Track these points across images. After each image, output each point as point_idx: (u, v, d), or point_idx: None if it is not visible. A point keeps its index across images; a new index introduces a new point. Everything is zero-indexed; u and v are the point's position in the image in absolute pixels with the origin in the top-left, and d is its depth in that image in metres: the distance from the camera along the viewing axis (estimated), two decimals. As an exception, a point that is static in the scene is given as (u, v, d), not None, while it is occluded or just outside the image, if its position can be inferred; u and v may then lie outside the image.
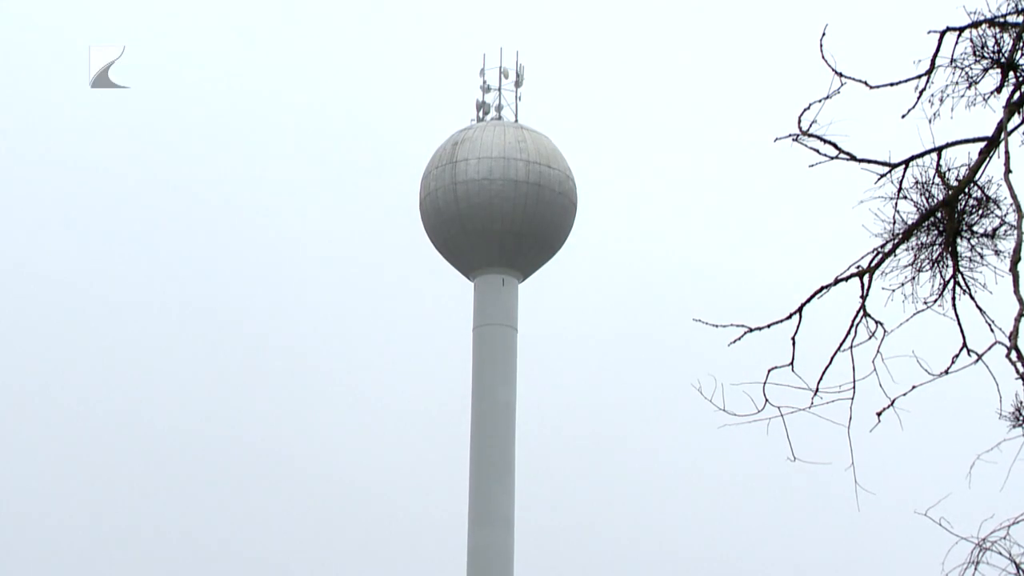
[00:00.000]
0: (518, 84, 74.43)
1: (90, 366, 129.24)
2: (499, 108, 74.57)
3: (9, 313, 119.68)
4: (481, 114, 74.56)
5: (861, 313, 10.05)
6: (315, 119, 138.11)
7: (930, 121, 9.62)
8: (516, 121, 74.94)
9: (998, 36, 9.52)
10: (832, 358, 10.03)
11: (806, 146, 9.83)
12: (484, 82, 74.36)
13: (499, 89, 74.54)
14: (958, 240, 9.91)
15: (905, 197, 9.91)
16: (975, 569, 9.97)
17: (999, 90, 9.53)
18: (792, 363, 10.02)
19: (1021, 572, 9.96)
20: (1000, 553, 9.92)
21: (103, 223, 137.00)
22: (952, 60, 9.61)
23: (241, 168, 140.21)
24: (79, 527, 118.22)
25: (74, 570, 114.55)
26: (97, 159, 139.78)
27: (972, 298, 9.87)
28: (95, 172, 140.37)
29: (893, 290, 10.01)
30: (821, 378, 9.95)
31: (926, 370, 9.86)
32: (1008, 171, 9.62)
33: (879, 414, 10.04)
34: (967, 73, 9.57)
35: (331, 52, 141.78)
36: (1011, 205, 9.71)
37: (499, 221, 72.03)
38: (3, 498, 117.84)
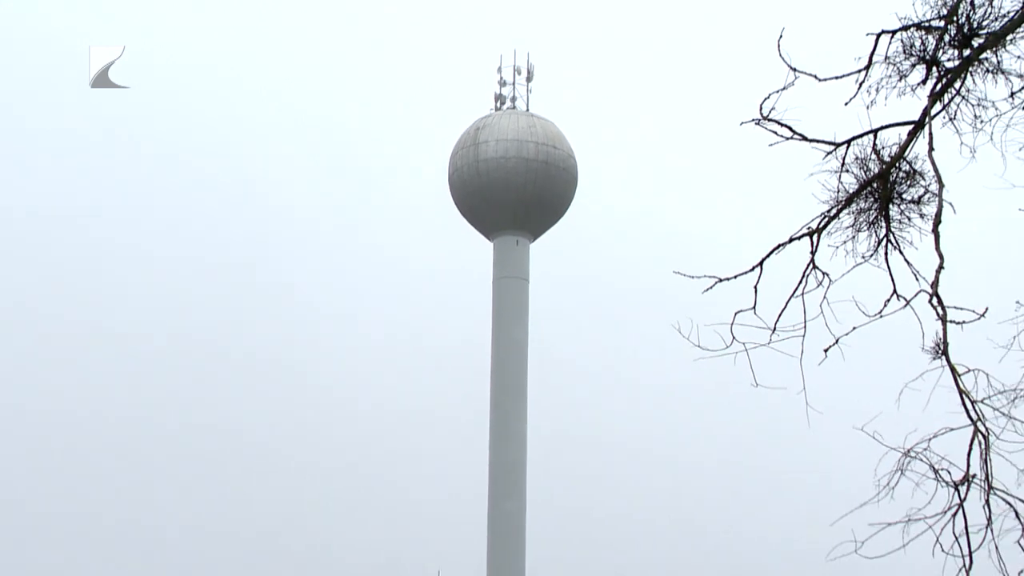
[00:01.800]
0: (529, 79, 74.84)
1: (100, 359, 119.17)
2: (513, 99, 74.97)
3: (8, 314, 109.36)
4: (498, 104, 75.07)
5: (811, 266, 10.05)
6: (350, 113, 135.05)
7: (868, 108, 9.62)
8: (527, 110, 75.31)
9: (924, 38, 9.48)
10: (787, 303, 10.03)
11: (767, 129, 9.78)
12: (501, 78, 74.78)
13: (513, 84, 74.81)
14: (890, 206, 9.96)
15: (847, 171, 9.94)
16: (901, 474, 9.95)
17: (924, 82, 9.56)
18: (754, 307, 10.04)
19: (939, 476, 9.92)
20: (922, 460, 9.89)
21: (102, 223, 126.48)
22: (886, 57, 9.62)
23: (268, 162, 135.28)
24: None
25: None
26: (97, 159, 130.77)
27: (901, 253, 9.89)
28: (95, 172, 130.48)
29: (837, 247, 10.05)
30: (778, 319, 9.98)
31: (864, 312, 9.93)
32: (931, 149, 9.65)
33: (826, 350, 10.03)
34: (898, 68, 9.59)
35: (364, 55, 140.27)
36: (933, 177, 9.77)
37: (514, 192, 72.40)
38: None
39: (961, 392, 9.83)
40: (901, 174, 9.86)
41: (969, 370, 9.82)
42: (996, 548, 9.95)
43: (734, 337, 9.96)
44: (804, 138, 9.73)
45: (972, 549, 9.99)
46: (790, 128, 9.68)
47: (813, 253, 9.96)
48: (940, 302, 9.73)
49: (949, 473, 10.01)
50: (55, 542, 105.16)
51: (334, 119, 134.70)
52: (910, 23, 9.49)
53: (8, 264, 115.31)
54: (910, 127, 9.67)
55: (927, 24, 9.41)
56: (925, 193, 9.83)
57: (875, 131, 9.76)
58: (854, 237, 9.99)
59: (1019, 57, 9.32)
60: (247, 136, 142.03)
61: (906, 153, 9.75)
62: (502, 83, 74.61)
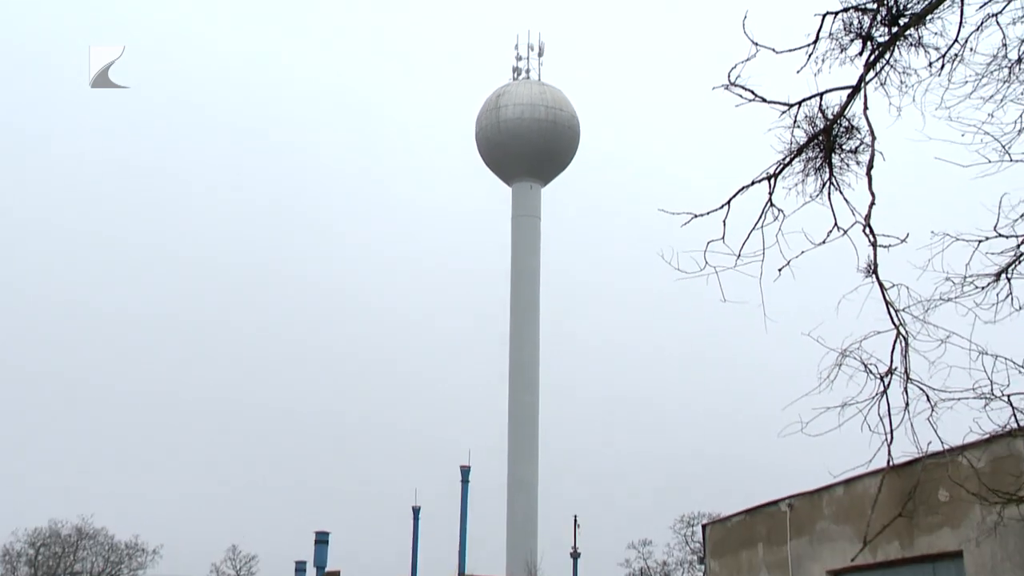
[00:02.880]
0: (540, 55, 75.17)
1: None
2: (527, 71, 74.92)
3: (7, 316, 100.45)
4: (515, 75, 75.23)
5: (769, 204, 10.07)
6: (391, 86, 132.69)
7: (815, 75, 9.63)
8: (539, 80, 74.94)
9: (860, 18, 9.50)
10: (749, 234, 10.03)
11: (734, 93, 9.82)
12: (517, 54, 75.28)
13: (527, 58, 75.33)
14: (832, 155, 9.99)
15: (798, 126, 9.88)
16: (838, 369, 10.19)
17: (860, 54, 9.57)
18: (723, 237, 10.04)
19: (868, 370, 10.15)
20: (855, 358, 10.18)
21: (102, 222, 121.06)
22: (830, 34, 9.60)
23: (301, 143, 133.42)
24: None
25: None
26: (97, 159, 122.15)
27: (841, 193, 9.93)
28: (95, 172, 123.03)
29: (790, 188, 10.02)
30: (742, 247, 10.00)
31: (810, 241, 9.94)
32: (866, 108, 9.72)
33: (779, 270, 10.05)
34: (840, 43, 9.59)
35: (391, 40, 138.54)
36: (867, 131, 9.78)
37: (528, 146, 72.35)
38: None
39: (887, 303, 10.06)
40: (841, 129, 9.84)
41: (893, 285, 10.06)
42: (912, 426, 10.23)
43: (707, 262, 9.91)
44: (764, 100, 9.73)
45: (893, 427, 10.26)
46: (752, 92, 9.68)
47: (771, 193, 9.95)
48: (871, 231, 9.89)
49: (876, 368, 10.25)
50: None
51: (376, 91, 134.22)
52: (849, 5, 9.46)
53: (8, 264, 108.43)
54: (849, 91, 9.66)
55: (863, 6, 9.41)
56: (860, 144, 9.80)
57: (821, 94, 9.76)
58: (804, 180, 9.97)
59: (936, 33, 9.33)
60: (299, 107, 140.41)
61: (845, 112, 9.74)
62: (518, 58, 75.31)
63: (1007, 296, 9.86)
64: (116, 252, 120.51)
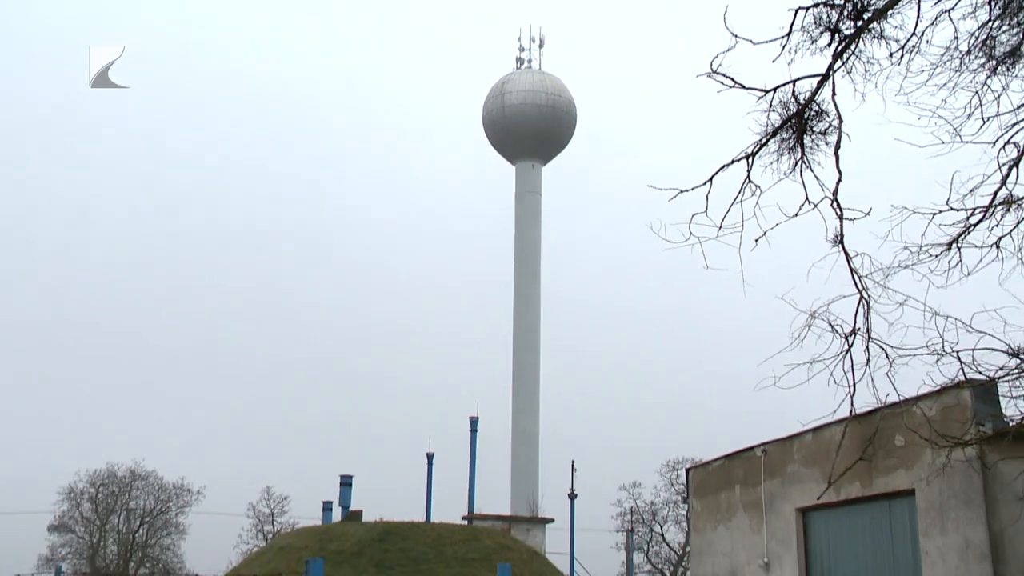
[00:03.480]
0: (541, 46, 74.47)
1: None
2: (529, 61, 74.29)
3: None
4: (518, 65, 74.54)
5: (747, 180, 10.06)
6: (402, 76, 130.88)
7: (788, 64, 9.56)
8: (540, 69, 74.25)
9: (829, 12, 9.46)
10: (729, 207, 9.97)
11: (716, 80, 9.80)
12: (520, 46, 74.46)
13: (529, 49, 74.57)
14: (804, 136, 9.91)
15: (773, 110, 9.89)
16: (808, 329, 10.27)
17: (829, 45, 9.50)
18: (706, 211, 10.02)
19: (834, 330, 10.25)
20: (823, 319, 10.30)
21: (101, 222, 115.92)
22: (803, 27, 9.54)
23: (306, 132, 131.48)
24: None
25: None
26: (97, 159, 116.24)
27: (812, 171, 9.92)
28: (95, 172, 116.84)
29: (766, 166, 10.02)
30: (723, 219, 9.98)
31: (784, 214, 9.97)
32: (834, 94, 9.70)
33: (756, 240, 10.07)
34: (811, 35, 9.51)
35: (410, 31, 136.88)
36: (835, 115, 9.78)
37: (530, 129, 72.03)
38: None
39: (851, 270, 10.16)
40: (812, 113, 9.84)
41: (857, 254, 10.15)
42: (872, 380, 10.40)
43: (691, 233, 9.91)
44: (742, 87, 9.73)
45: (856, 381, 10.41)
46: (732, 79, 9.69)
47: (749, 171, 9.97)
48: (838, 205, 9.92)
49: (842, 328, 10.38)
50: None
51: (388, 83, 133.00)
52: (819, 1, 9.44)
53: (9, 264, 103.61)
54: (819, 78, 9.66)
55: (831, 2, 9.37)
56: (829, 127, 9.78)
57: (793, 81, 9.76)
58: (778, 159, 9.98)
59: (896, 27, 9.31)
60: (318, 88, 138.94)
61: (816, 97, 9.74)
62: (521, 49, 74.67)
63: (957, 263, 9.99)
64: (163, 217, 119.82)
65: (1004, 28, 9.37)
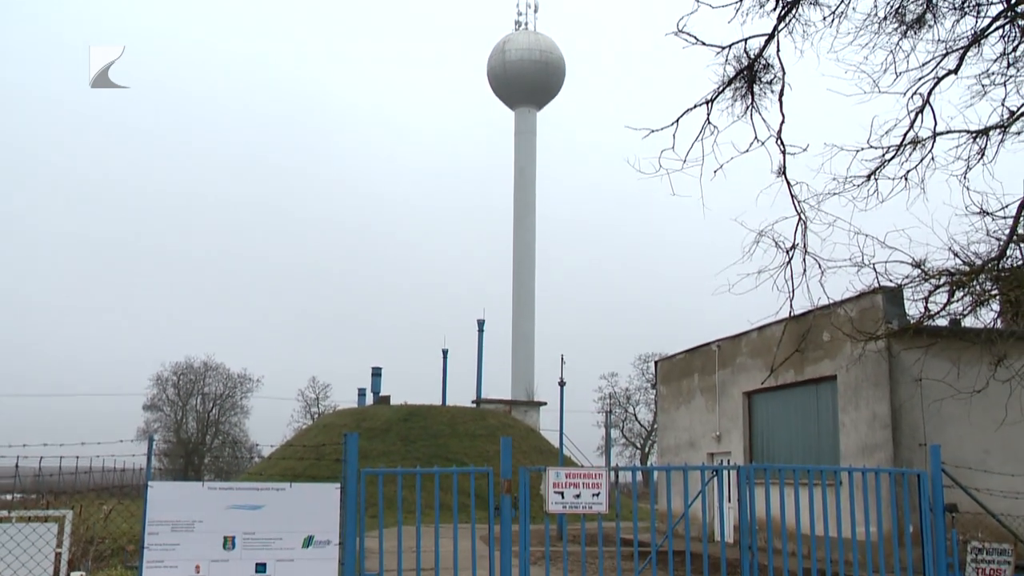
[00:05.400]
0: (536, 11, 72.53)
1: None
2: (526, 23, 72.68)
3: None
4: (517, 27, 72.81)
5: (707, 122, 9.96)
6: (413, 39, 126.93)
7: (742, 25, 9.50)
8: (535, 30, 72.78)
9: None
10: (692, 144, 9.83)
11: (681, 38, 9.69)
12: (518, 10, 72.68)
13: (525, 13, 72.82)
14: (754, 85, 9.87)
15: (729, 64, 9.84)
16: (756, 245, 10.34)
17: (775, 9, 9.41)
18: (673, 147, 9.88)
19: (778, 245, 10.32)
20: (768, 236, 10.37)
21: (102, 221, 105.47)
22: None
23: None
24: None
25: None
26: (97, 159, 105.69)
27: (760, 114, 9.85)
28: (95, 172, 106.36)
29: (723, 110, 9.95)
30: (687, 154, 9.71)
31: (737, 150, 9.86)
32: (778, 51, 9.62)
33: (714, 172, 9.89)
34: (760, 0, 9.43)
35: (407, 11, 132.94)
36: (780, 68, 9.73)
37: (527, 81, 71.02)
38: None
39: (792, 196, 10.17)
40: (760, 66, 9.82)
41: (797, 183, 10.18)
42: (808, 287, 10.48)
43: (661, 165, 9.92)
44: (703, 43, 9.67)
45: (794, 288, 10.47)
46: (695, 37, 9.61)
47: (708, 114, 9.86)
48: (782, 143, 9.85)
49: (783, 244, 10.40)
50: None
51: (402, 48, 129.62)
52: (768, -29, 9.33)
53: (9, 264, 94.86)
54: (766, 37, 9.63)
55: (778, -28, 9.28)
56: (774, 78, 9.72)
57: (745, 40, 9.71)
58: (732, 104, 9.89)
59: None
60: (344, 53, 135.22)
61: (763, 53, 9.73)
62: (519, 13, 72.83)
63: (875, 192, 10.13)
64: (218, 141, 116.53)
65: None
